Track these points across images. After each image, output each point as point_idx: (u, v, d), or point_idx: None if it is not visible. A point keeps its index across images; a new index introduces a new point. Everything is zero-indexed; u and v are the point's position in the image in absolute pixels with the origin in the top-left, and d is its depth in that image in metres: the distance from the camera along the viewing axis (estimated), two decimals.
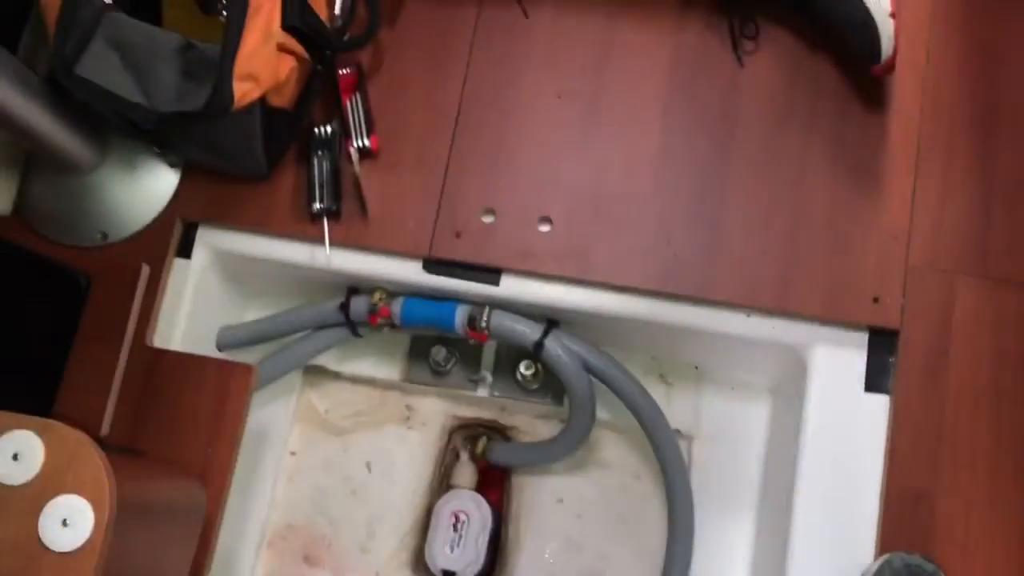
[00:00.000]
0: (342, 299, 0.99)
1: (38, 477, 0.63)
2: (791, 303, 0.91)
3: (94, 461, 0.63)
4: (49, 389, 0.90)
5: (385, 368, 1.07)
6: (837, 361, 0.91)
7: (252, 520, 1.04)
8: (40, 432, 0.64)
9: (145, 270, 0.95)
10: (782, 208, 0.93)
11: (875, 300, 0.90)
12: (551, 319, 0.98)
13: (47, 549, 0.62)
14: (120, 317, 0.93)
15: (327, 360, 1.07)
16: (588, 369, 0.97)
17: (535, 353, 0.96)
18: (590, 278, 0.93)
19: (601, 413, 0.99)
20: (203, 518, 0.86)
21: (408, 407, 1.09)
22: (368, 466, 1.08)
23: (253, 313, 1.07)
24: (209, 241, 0.98)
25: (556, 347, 0.95)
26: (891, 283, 0.90)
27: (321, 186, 0.96)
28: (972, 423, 0.86)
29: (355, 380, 1.09)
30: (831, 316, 0.91)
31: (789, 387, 0.96)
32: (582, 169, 0.96)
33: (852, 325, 0.91)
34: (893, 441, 0.87)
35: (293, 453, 1.08)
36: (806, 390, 0.90)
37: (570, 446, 1.01)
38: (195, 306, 0.98)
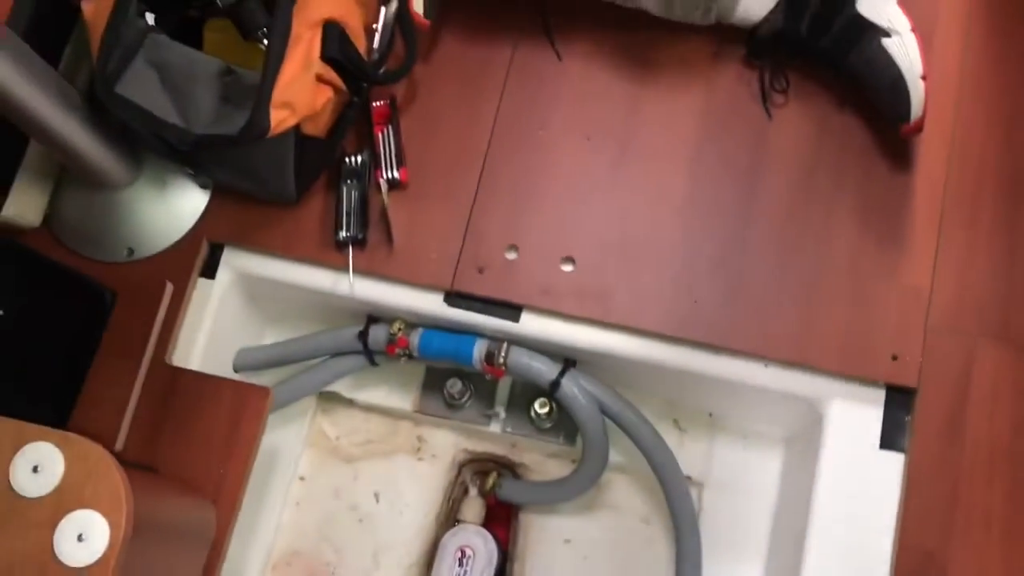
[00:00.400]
0: (361, 327, 1.00)
1: (56, 490, 0.64)
2: (810, 356, 0.91)
3: (113, 477, 0.64)
4: (67, 401, 0.90)
5: (399, 398, 1.07)
6: (853, 416, 0.90)
7: (258, 543, 1.04)
8: (61, 445, 0.64)
9: (169, 288, 0.95)
10: (805, 261, 0.93)
11: (894, 358, 0.90)
12: (568, 359, 0.98)
13: (61, 563, 0.62)
14: (142, 333, 0.94)
15: (341, 387, 1.08)
16: (603, 411, 0.97)
17: (551, 392, 0.96)
18: (610, 320, 0.93)
19: (613, 455, 0.99)
20: (212, 539, 0.86)
21: (420, 438, 1.09)
22: (376, 496, 1.07)
23: (271, 336, 1.08)
24: (234, 263, 0.98)
25: (572, 387, 0.95)
26: (911, 342, 0.90)
27: (348, 214, 0.97)
28: (987, 486, 0.86)
29: (368, 408, 1.10)
30: (849, 371, 0.91)
31: (803, 439, 0.96)
32: (608, 211, 0.96)
33: (870, 381, 0.91)
34: (907, 500, 0.87)
35: (302, 478, 1.08)
36: (821, 444, 0.90)
37: (581, 487, 1.01)
38: (215, 326, 0.98)
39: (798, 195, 0.95)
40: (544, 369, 0.95)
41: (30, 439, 0.65)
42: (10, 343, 0.87)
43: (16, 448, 0.65)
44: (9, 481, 0.64)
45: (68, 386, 0.91)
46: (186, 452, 0.90)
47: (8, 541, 0.63)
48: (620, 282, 0.94)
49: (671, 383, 1.00)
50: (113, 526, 0.62)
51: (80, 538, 0.62)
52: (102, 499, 0.63)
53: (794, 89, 0.98)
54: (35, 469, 0.64)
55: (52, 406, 0.90)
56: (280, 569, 1.05)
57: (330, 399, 1.10)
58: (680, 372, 0.94)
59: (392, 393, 1.08)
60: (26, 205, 0.96)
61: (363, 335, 0.99)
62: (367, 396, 1.08)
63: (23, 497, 0.64)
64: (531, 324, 0.95)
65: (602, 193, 0.97)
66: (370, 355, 1.00)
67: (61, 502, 0.63)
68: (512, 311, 0.95)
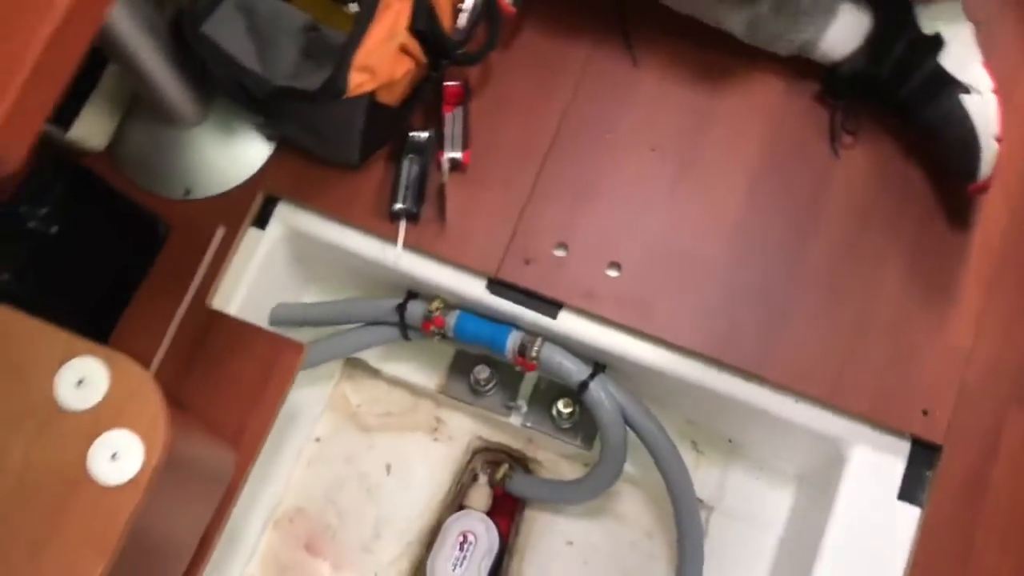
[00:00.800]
0: (400, 300, 1.00)
1: (97, 407, 0.64)
2: (841, 398, 0.91)
3: (155, 402, 0.64)
4: (107, 326, 0.91)
5: (425, 376, 1.08)
6: (875, 464, 0.90)
7: (265, 496, 1.05)
8: (109, 363, 0.65)
9: (220, 232, 0.96)
10: (849, 303, 0.93)
11: (924, 412, 0.90)
12: (599, 363, 0.98)
13: (92, 480, 0.63)
14: (187, 272, 0.95)
15: (370, 356, 1.09)
16: (626, 420, 0.97)
17: (577, 393, 0.97)
18: (648, 331, 0.94)
19: (628, 466, 0.99)
20: (227, 484, 0.87)
21: (438, 419, 1.10)
22: (388, 468, 1.08)
23: (310, 295, 1.09)
24: (286, 217, 0.99)
25: (600, 392, 0.95)
26: (943, 399, 0.90)
27: (406, 188, 0.97)
28: (1000, 552, 0.86)
29: (393, 381, 1.10)
30: (877, 418, 0.91)
31: (820, 479, 0.96)
32: (661, 223, 0.97)
33: (896, 432, 0.91)
34: (918, 555, 0.86)
35: (318, 439, 1.09)
36: (839, 486, 0.90)
37: (592, 492, 1.01)
38: (258, 277, 0.99)
39: (852, 237, 0.95)
40: (575, 369, 0.96)
41: (79, 352, 0.65)
42: (61, 259, 0.89)
43: (64, 359, 0.65)
44: (52, 391, 0.65)
45: (109, 311, 0.92)
46: (213, 395, 0.91)
47: (42, 451, 0.64)
48: (663, 295, 0.95)
49: (697, 403, 1.00)
50: (149, 450, 0.63)
51: (114, 457, 0.63)
52: (141, 422, 0.64)
53: (864, 132, 0.98)
54: (79, 383, 0.64)
55: (93, 327, 0.91)
56: (282, 524, 1.05)
57: (357, 366, 1.10)
58: (709, 393, 0.94)
59: (419, 370, 1.08)
60: (93, 129, 0.97)
61: (401, 308, 0.99)
62: (394, 369, 1.09)
63: (64, 409, 0.64)
64: (568, 323, 0.95)
65: (658, 205, 0.98)
66: (404, 329, 1.01)
67: (100, 419, 0.64)
68: (551, 307, 0.96)
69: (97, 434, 0.64)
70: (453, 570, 1.00)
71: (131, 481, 0.63)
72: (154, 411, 0.64)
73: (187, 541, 0.84)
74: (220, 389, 0.91)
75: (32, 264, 0.91)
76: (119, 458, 0.63)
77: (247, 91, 0.90)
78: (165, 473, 0.66)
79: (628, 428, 0.97)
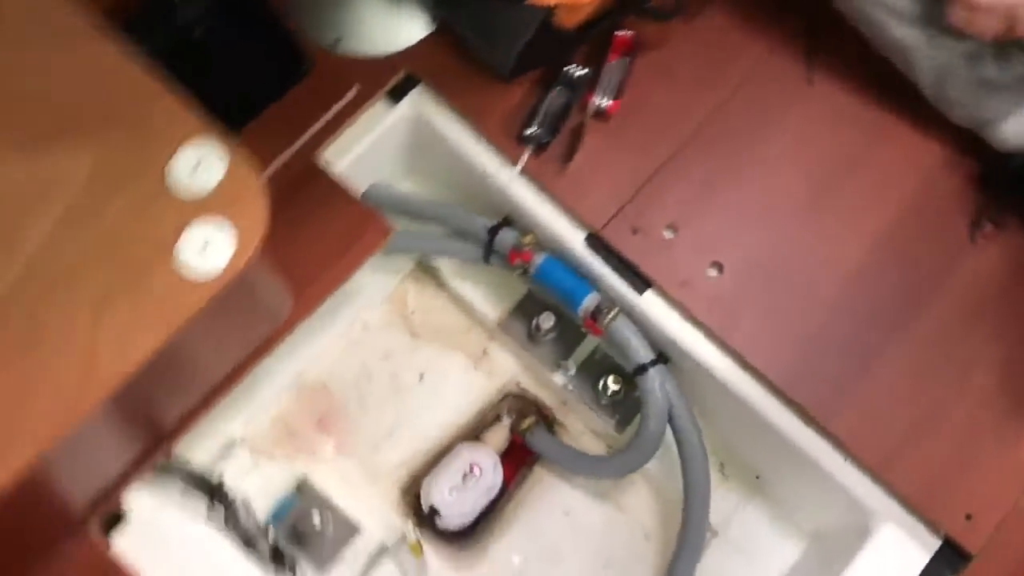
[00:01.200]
0: (495, 223, 0.99)
1: (205, 194, 0.63)
2: (891, 473, 0.88)
3: (261, 208, 0.63)
4: None
5: (489, 305, 1.06)
6: (900, 548, 0.88)
7: (295, 359, 1.04)
8: (231, 155, 0.64)
9: (355, 90, 0.95)
10: (933, 386, 0.90)
11: (968, 517, 0.87)
12: (662, 353, 0.96)
13: (175, 262, 0.62)
14: (310, 116, 0.94)
15: (443, 265, 1.07)
16: (670, 419, 0.95)
17: (632, 373, 0.95)
18: (727, 340, 0.92)
19: (651, 461, 0.97)
20: (273, 329, 0.86)
21: (485, 351, 1.08)
22: (420, 376, 1.07)
23: (409, 185, 1.08)
24: (418, 101, 0.98)
25: (656, 380, 0.93)
26: (991, 511, 0.87)
27: (544, 116, 0.96)
28: None
29: (455, 299, 1.09)
30: (918, 506, 0.88)
31: (837, 543, 0.94)
32: (777, 242, 0.94)
33: (932, 525, 0.88)
34: None
35: (365, 325, 1.08)
36: (855, 556, 0.88)
37: (609, 473, 1.00)
38: (370, 150, 0.98)
39: (959, 325, 0.92)
40: (641, 350, 0.94)
41: (207, 135, 0.64)
42: (197, 62, 0.88)
43: (185, 137, 0.64)
44: (167, 164, 0.64)
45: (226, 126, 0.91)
46: (291, 242, 0.90)
47: (137, 218, 0.63)
48: (754, 311, 0.92)
49: (743, 428, 0.97)
50: (238, 252, 0.62)
51: (204, 247, 0.62)
52: (241, 221, 0.63)
53: (1009, 228, 0.95)
54: (196, 165, 0.64)
55: None
56: (303, 392, 1.05)
57: (426, 271, 1.09)
58: (761, 422, 0.92)
59: (485, 297, 1.07)
60: None
61: (494, 230, 0.98)
62: (461, 287, 1.07)
63: (172, 185, 0.63)
64: (651, 304, 0.94)
65: (781, 223, 0.95)
66: (489, 251, 0.99)
67: (203, 206, 0.63)
68: (641, 283, 0.94)
69: (194, 219, 0.63)
70: (449, 495, 0.99)
71: (213, 276, 0.62)
72: (257, 215, 0.63)
73: (216, 370, 0.84)
74: (299, 239, 0.91)
75: (170, 60, 0.91)
76: (207, 250, 0.62)
77: None
78: (238, 285, 0.65)
79: (669, 426, 0.96)
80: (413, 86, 0.98)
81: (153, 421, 0.81)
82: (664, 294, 0.94)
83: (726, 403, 0.95)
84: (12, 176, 0.62)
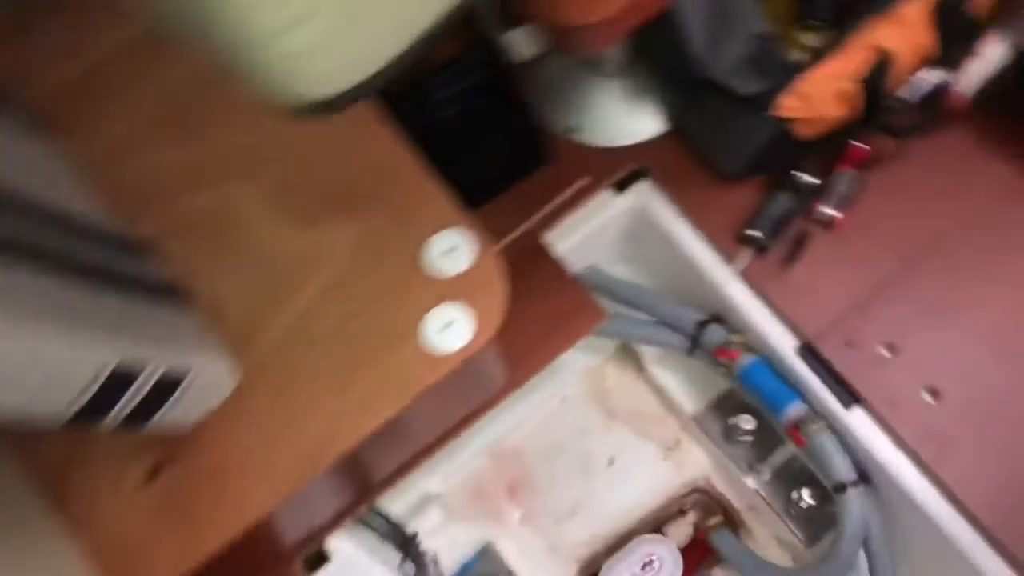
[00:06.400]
0: (704, 318, 1.00)
1: (453, 278, 0.68)
2: None
3: (501, 294, 0.68)
4: None
5: (688, 397, 1.07)
6: None
7: (496, 425, 1.08)
8: (481, 243, 0.69)
9: (583, 181, 0.99)
10: None
11: None
12: (864, 473, 0.94)
13: (419, 339, 0.67)
14: (540, 200, 0.99)
15: (646, 352, 1.09)
16: (865, 543, 0.92)
17: (832, 491, 0.93)
18: (937, 471, 0.88)
19: None
20: (485, 400, 0.90)
21: (678, 442, 1.09)
22: (611, 459, 1.08)
23: (622, 273, 1.10)
24: (643, 194, 1.01)
25: (857, 503, 0.91)
26: None
27: (768, 219, 0.96)
28: None
29: (653, 386, 1.10)
30: None
31: None
32: (1003, 374, 0.90)
33: None
34: None
35: (564, 400, 1.11)
36: None
37: None
38: (592, 235, 1.01)
39: None
40: (843, 468, 0.91)
41: (460, 223, 0.69)
42: (445, 143, 0.94)
43: (443, 225, 0.70)
44: (421, 248, 0.69)
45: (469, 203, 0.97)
46: (510, 319, 0.94)
47: (389, 297, 0.69)
48: (970, 444, 0.88)
49: (940, 565, 0.93)
50: (478, 333, 0.66)
51: (446, 327, 0.67)
52: (482, 306, 0.67)
53: None
54: (447, 251, 0.69)
55: None
56: (499, 458, 1.09)
57: (630, 356, 1.11)
58: (964, 563, 0.87)
59: (684, 388, 1.08)
60: (527, 40, 1.02)
61: (702, 325, 0.99)
62: (662, 376, 1.08)
63: (424, 268, 0.69)
64: (858, 421, 0.91)
65: (1010, 355, 0.91)
66: (695, 345, 1.00)
67: (450, 290, 0.68)
68: (849, 397, 0.92)
69: (442, 301, 0.68)
70: None
71: (451, 353, 0.66)
72: (497, 303, 0.67)
73: (431, 432, 0.89)
74: (516, 317, 0.94)
75: (420, 139, 0.98)
76: (449, 329, 0.67)
77: (678, 68, 0.91)
78: (469, 363, 0.70)
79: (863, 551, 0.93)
80: (638, 179, 1.01)
81: (365, 476, 0.86)
82: (873, 412, 0.91)
83: (926, 535, 0.90)
84: (293, 244, 0.69)
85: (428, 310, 0.67)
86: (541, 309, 0.95)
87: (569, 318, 0.94)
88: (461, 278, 0.68)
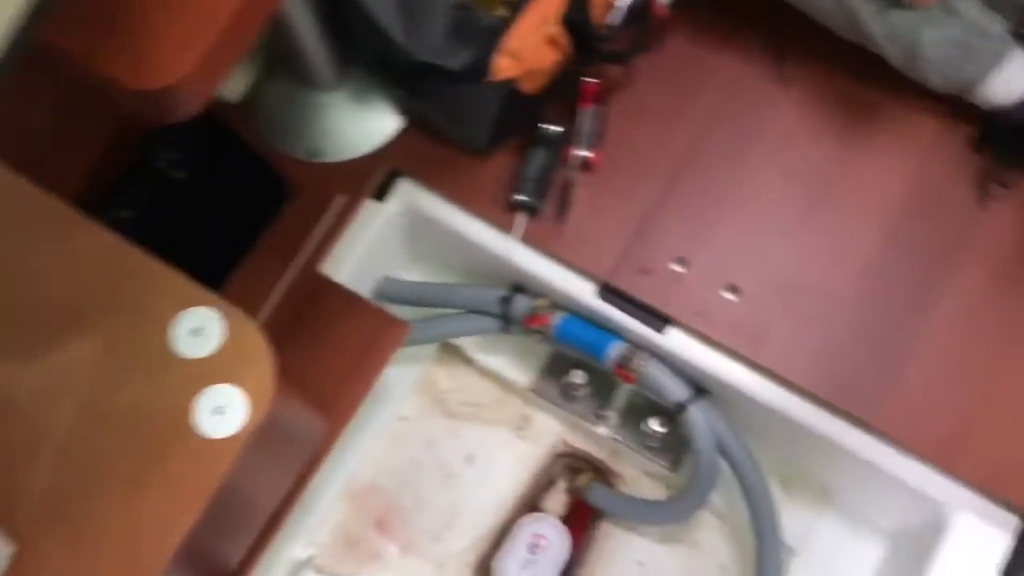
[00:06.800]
0: (505, 293, 0.99)
1: (209, 358, 0.64)
2: (955, 462, 0.86)
3: (265, 362, 0.64)
4: (217, 278, 0.92)
5: (517, 372, 1.06)
6: (978, 535, 0.86)
7: (343, 467, 1.05)
8: (227, 317, 0.64)
9: (340, 200, 0.96)
10: (979, 365, 0.88)
11: None
12: (700, 386, 0.95)
13: (194, 429, 0.63)
14: (303, 234, 0.95)
15: (466, 344, 1.07)
16: (721, 450, 0.94)
17: (675, 413, 0.94)
18: (759, 361, 0.90)
19: (713, 496, 0.96)
20: (311, 452, 0.86)
21: (524, 417, 1.08)
22: (468, 458, 1.07)
23: (416, 274, 1.08)
24: (405, 194, 0.98)
25: (700, 417, 0.92)
26: None
27: (529, 180, 0.96)
28: None
29: (485, 372, 1.09)
30: (990, 488, 0.86)
31: (915, 540, 0.92)
32: (788, 253, 0.93)
33: (1008, 505, 0.86)
34: None
35: (403, 419, 1.08)
36: (936, 551, 0.86)
37: (674, 516, 0.99)
38: (369, 250, 0.98)
39: (990, 295, 0.90)
40: (676, 389, 0.93)
41: (199, 301, 0.65)
42: (183, 205, 0.90)
43: (182, 306, 0.65)
44: (168, 336, 0.65)
45: (222, 264, 0.93)
46: (312, 361, 0.91)
47: (150, 394, 0.64)
48: (780, 326, 0.91)
49: (797, 443, 0.96)
50: (254, 409, 0.62)
51: (218, 410, 0.63)
52: (250, 380, 0.63)
53: (1019, 186, 0.93)
54: (195, 331, 0.64)
55: (204, 278, 0.91)
56: (357, 498, 1.05)
57: (451, 352, 1.09)
58: (812, 435, 0.90)
59: (513, 365, 1.07)
60: (232, 80, 0.97)
61: (506, 300, 0.98)
62: (488, 360, 1.07)
63: (176, 355, 0.64)
64: (675, 341, 0.93)
65: (787, 233, 0.94)
66: (506, 322, 0.99)
67: (210, 371, 0.63)
68: (660, 321, 0.93)
69: (205, 385, 0.63)
70: (520, 571, 0.99)
71: (232, 436, 0.62)
72: (264, 371, 0.64)
73: (267, 502, 0.84)
74: (319, 356, 0.91)
75: (155, 206, 0.92)
76: (223, 412, 0.63)
77: (388, 61, 0.89)
78: (263, 433, 0.66)
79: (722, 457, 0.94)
80: (396, 180, 0.99)
81: (217, 566, 0.81)
82: (686, 328, 0.93)
83: (773, 423, 0.93)
84: (25, 381, 0.63)
85: (193, 399, 0.63)
86: (341, 342, 0.91)
87: (373, 341, 0.92)
88: (218, 357, 0.64)
